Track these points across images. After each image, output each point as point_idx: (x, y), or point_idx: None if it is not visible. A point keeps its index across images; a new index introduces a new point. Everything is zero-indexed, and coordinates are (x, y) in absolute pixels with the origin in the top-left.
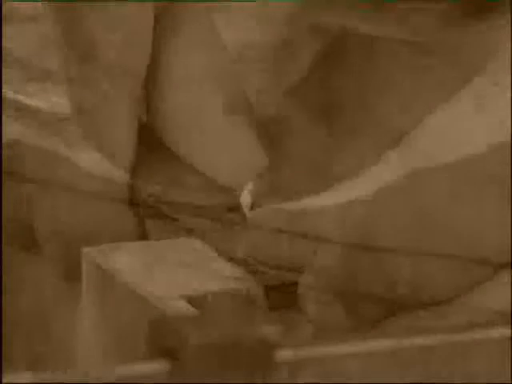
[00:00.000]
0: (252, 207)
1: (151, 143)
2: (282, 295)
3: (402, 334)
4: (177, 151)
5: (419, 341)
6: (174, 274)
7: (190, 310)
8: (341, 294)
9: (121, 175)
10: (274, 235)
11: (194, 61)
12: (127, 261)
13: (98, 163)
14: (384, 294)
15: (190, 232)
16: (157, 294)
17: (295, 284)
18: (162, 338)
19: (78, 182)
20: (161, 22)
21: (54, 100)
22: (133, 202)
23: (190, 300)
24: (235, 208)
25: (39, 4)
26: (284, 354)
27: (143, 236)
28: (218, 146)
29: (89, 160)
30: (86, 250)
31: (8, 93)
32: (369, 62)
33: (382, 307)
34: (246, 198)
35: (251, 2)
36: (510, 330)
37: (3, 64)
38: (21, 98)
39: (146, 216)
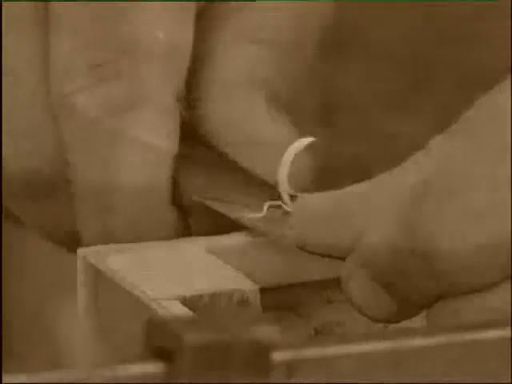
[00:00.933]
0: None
1: (192, 140)
2: (277, 296)
3: (399, 335)
4: (220, 148)
5: (417, 342)
6: (170, 275)
7: (185, 311)
8: (386, 279)
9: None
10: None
11: (234, 61)
12: (122, 261)
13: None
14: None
15: (230, 228)
16: (152, 295)
17: (291, 286)
18: (157, 340)
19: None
20: (200, 22)
21: None
22: (175, 197)
23: (186, 301)
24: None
25: None
26: (281, 355)
27: (186, 232)
28: (262, 142)
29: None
30: (80, 250)
31: None
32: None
33: (428, 294)
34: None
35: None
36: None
37: None
38: None
39: (189, 212)
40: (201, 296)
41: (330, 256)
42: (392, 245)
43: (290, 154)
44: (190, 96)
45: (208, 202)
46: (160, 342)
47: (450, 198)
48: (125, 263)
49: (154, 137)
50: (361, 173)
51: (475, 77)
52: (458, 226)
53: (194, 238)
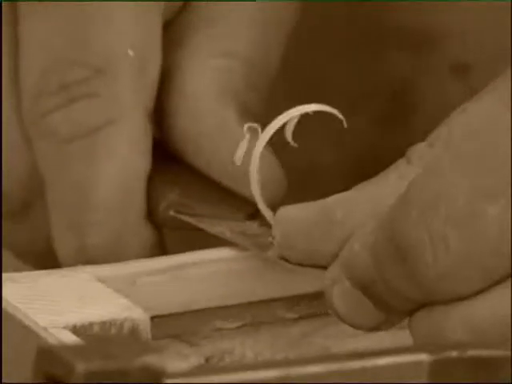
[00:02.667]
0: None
1: (164, 156)
2: (168, 324)
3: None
4: (192, 162)
5: (307, 369)
6: (61, 303)
7: (75, 339)
8: (369, 286)
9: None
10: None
11: (204, 74)
12: (15, 291)
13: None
14: (413, 285)
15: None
16: (42, 324)
17: (182, 314)
18: (48, 368)
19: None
20: (168, 34)
21: None
22: (150, 213)
23: (76, 329)
24: (254, 215)
25: None
26: (171, 382)
27: (162, 248)
28: (233, 153)
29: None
30: None
31: None
32: None
33: (410, 301)
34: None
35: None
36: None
37: None
38: None
39: (165, 227)
40: (91, 324)
41: (313, 266)
42: (375, 252)
43: (257, 148)
44: (160, 110)
45: (185, 217)
46: (51, 370)
47: (433, 205)
48: (17, 292)
49: (127, 153)
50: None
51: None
52: (441, 234)
53: (84, 267)
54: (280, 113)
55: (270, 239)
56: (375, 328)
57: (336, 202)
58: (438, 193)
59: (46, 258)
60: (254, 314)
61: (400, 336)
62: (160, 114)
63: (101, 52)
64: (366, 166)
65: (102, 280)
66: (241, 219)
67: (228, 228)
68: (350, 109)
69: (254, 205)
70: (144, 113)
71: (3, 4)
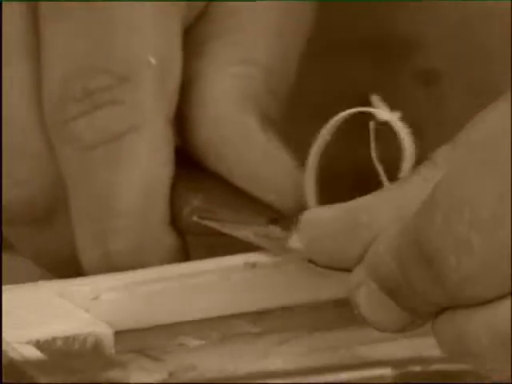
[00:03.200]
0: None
1: (186, 163)
2: (132, 339)
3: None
4: (215, 168)
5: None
6: (24, 318)
7: (39, 354)
8: (394, 289)
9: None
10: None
11: (224, 81)
12: None
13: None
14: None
15: (229, 248)
16: (5, 339)
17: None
18: (14, 382)
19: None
20: (188, 42)
21: None
22: (173, 219)
23: (39, 344)
24: (276, 220)
25: None
26: None
27: (185, 254)
28: (257, 161)
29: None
30: None
31: None
32: None
33: (434, 304)
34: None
35: None
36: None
37: None
38: None
39: (188, 233)
40: (55, 339)
41: (337, 268)
42: (399, 255)
43: (312, 157)
44: (182, 118)
45: (208, 222)
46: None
47: (458, 210)
48: None
49: (150, 160)
50: None
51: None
52: (465, 238)
53: (47, 282)
54: None
55: (295, 243)
56: (400, 330)
57: (361, 204)
58: (463, 197)
59: (69, 266)
60: (217, 329)
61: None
62: (181, 122)
63: (124, 60)
64: (329, 175)
65: (65, 295)
66: (263, 224)
67: (252, 232)
68: (314, 117)
69: (276, 210)
70: (166, 120)
71: (18, 4)
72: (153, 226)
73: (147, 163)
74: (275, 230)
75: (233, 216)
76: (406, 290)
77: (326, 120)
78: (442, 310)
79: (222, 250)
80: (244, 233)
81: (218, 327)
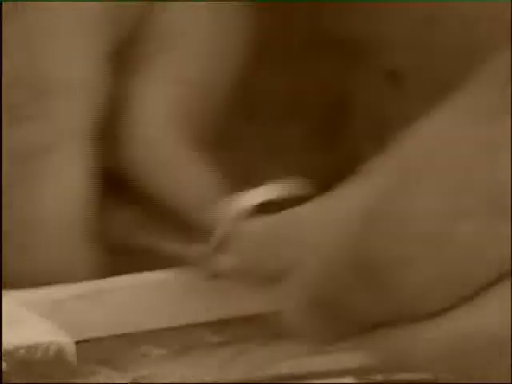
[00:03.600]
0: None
1: (116, 182)
2: (94, 348)
3: None
4: (143, 189)
5: None
6: None
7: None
8: (323, 304)
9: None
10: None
11: (154, 102)
12: None
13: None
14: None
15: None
16: None
17: (107, 338)
18: None
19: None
20: (119, 63)
21: None
22: (100, 236)
23: (1, 354)
24: (203, 240)
25: None
26: None
27: (111, 271)
28: (183, 181)
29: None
30: None
31: None
32: None
33: (369, 318)
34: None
35: None
36: None
37: None
38: None
39: (115, 250)
40: (17, 349)
41: (267, 282)
42: (335, 270)
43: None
44: (113, 138)
45: (135, 240)
46: None
47: (401, 224)
48: None
49: (68, 177)
50: None
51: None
52: (408, 255)
53: (9, 291)
54: None
55: (221, 260)
56: (329, 344)
57: (293, 216)
58: (407, 211)
59: None
60: (180, 338)
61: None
62: (112, 142)
63: (43, 75)
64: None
65: (27, 304)
66: (190, 242)
67: (177, 250)
68: (286, 119)
69: (203, 230)
70: (85, 138)
71: None
72: (75, 243)
73: (65, 180)
74: (204, 248)
75: (160, 234)
76: (341, 305)
77: (297, 120)
78: (378, 326)
79: (149, 268)
80: (170, 249)
81: (182, 336)
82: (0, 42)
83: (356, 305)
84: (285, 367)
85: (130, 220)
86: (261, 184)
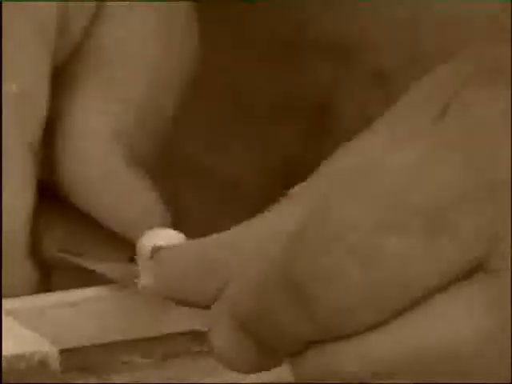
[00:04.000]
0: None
1: (51, 196)
2: (78, 357)
3: None
4: (78, 204)
5: None
6: None
7: None
8: (252, 328)
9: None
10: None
11: (93, 118)
12: None
13: None
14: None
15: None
16: None
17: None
18: None
19: None
20: (61, 78)
21: None
22: (35, 251)
23: None
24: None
25: None
26: None
27: (47, 285)
28: (118, 199)
29: None
30: None
31: None
32: None
33: (299, 340)
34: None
35: None
36: None
37: None
38: None
39: (50, 265)
40: (1, 358)
41: (195, 305)
42: (261, 291)
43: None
44: (50, 152)
45: (68, 256)
46: None
47: (329, 240)
48: None
49: (10, 189)
50: None
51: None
52: (337, 268)
53: None
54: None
55: (142, 281)
56: (256, 370)
57: (218, 240)
58: (332, 229)
59: None
60: (162, 347)
61: None
62: (50, 156)
63: None
64: (289, 177)
65: (9, 313)
66: (123, 260)
67: (109, 268)
68: (274, 121)
69: (135, 247)
70: (27, 149)
71: None
72: (11, 257)
73: (6, 193)
74: (133, 267)
75: (94, 251)
76: (267, 329)
77: (286, 121)
78: (306, 347)
79: (83, 283)
80: (101, 268)
81: (163, 345)
82: (0, 41)
83: (285, 323)
84: (271, 373)
85: (63, 233)
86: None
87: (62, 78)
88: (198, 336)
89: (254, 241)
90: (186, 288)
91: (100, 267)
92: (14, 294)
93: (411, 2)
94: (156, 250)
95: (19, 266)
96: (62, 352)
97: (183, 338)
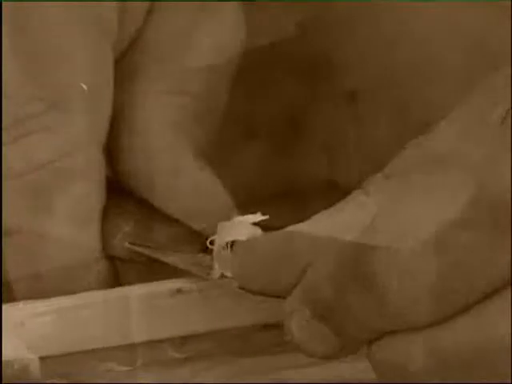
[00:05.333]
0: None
1: (118, 190)
2: (59, 364)
3: None
4: (146, 198)
5: None
6: None
7: None
8: (328, 316)
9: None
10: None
11: (156, 112)
12: None
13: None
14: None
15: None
16: None
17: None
18: None
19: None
20: (119, 71)
21: None
22: (105, 245)
23: None
24: (207, 249)
25: None
26: None
27: (116, 280)
28: (189, 191)
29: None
30: None
31: None
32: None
33: (372, 329)
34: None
35: None
36: None
37: None
38: None
39: (119, 259)
40: None
41: (270, 295)
42: (337, 282)
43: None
44: (113, 147)
45: (138, 248)
46: None
47: (399, 236)
48: None
49: (82, 188)
50: None
51: None
52: (407, 265)
53: None
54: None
55: (217, 272)
56: (332, 356)
57: (296, 231)
58: (404, 224)
59: None
60: (142, 354)
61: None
62: (112, 151)
63: (54, 86)
64: (261, 191)
65: None
66: (194, 251)
67: (181, 259)
68: (246, 135)
69: (206, 239)
70: (98, 147)
71: None
72: (83, 253)
73: (78, 191)
74: (205, 258)
75: (163, 243)
76: (343, 317)
77: (259, 140)
78: (378, 337)
79: (152, 277)
80: (173, 259)
81: (144, 352)
82: (0, 42)
83: (358, 312)
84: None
85: (132, 226)
86: None
87: (120, 73)
88: (178, 343)
89: (330, 231)
90: (265, 278)
91: (172, 259)
92: (84, 288)
93: (386, 22)
94: (233, 242)
95: (91, 261)
96: (43, 359)
97: (164, 345)
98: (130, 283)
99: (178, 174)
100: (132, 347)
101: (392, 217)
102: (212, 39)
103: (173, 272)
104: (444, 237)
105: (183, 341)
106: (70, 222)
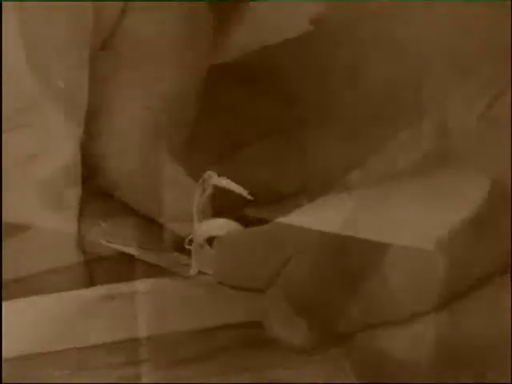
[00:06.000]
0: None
1: (95, 189)
2: None
3: None
4: (123, 198)
5: None
6: None
7: None
8: (308, 310)
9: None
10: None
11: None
12: None
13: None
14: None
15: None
16: None
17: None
18: None
19: None
20: (94, 71)
21: None
22: (81, 241)
23: None
24: (183, 248)
25: None
26: None
27: (91, 277)
28: (164, 190)
29: None
30: None
31: None
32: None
33: (352, 322)
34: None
35: None
36: None
37: None
38: None
39: (95, 256)
40: None
41: (249, 289)
42: (319, 275)
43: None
44: (90, 147)
45: (115, 246)
46: None
47: (380, 232)
48: None
49: (59, 182)
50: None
51: None
52: (392, 257)
53: None
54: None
55: (194, 269)
56: (311, 351)
57: (275, 227)
58: (389, 219)
59: None
60: (81, 360)
61: None
62: (87, 150)
63: (32, 83)
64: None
65: None
66: (170, 250)
67: (159, 257)
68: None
69: (183, 238)
70: (76, 143)
71: None
72: (62, 248)
73: (58, 185)
74: (181, 257)
75: (140, 241)
76: (323, 311)
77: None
78: (361, 328)
79: (127, 276)
80: (151, 257)
81: (82, 357)
82: (0, 42)
83: (337, 306)
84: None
85: (109, 224)
86: None
87: (94, 72)
88: (116, 348)
89: (311, 226)
90: (245, 272)
91: (150, 257)
92: (62, 284)
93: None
94: (211, 239)
95: (68, 257)
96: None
97: (101, 350)
98: (102, 282)
99: (152, 176)
100: (72, 351)
101: (375, 210)
102: (182, 41)
103: (147, 271)
104: (420, 236)
105: (120, 346)
106: (49, 214)
